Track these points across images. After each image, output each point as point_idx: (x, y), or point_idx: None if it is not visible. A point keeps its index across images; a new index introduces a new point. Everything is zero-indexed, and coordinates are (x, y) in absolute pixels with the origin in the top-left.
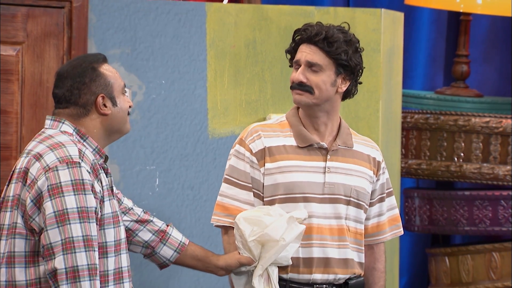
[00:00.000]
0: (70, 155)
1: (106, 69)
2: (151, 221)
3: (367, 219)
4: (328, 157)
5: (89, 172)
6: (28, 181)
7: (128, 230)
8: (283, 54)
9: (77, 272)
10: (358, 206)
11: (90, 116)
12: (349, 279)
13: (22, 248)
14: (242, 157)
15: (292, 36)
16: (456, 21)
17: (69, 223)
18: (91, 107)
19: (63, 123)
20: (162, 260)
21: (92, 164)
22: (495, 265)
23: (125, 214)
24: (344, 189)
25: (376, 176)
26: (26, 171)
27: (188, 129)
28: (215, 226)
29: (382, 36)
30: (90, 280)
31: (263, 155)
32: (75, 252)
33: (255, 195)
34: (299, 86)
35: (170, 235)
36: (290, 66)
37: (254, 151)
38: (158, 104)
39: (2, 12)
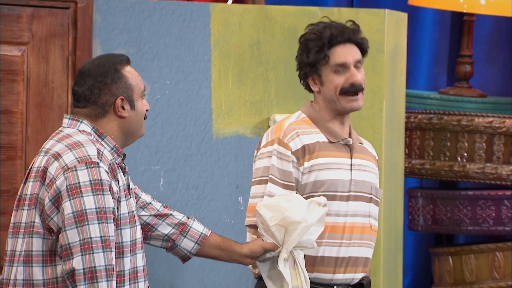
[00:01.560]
0: (88, 155)
1: (128, 71)
2: (171, 214)
3: None
4: (353, 153)
5: (107, 172)
6: (47, 180)
7: (147, 225)
8: (287, 54)
9: (95, 273)
10: (377, 203)
11: (107, 117)
12: (362, 278)
13: (40, 247)
14: (285, 157)
15: (326, 39)
16: (459, 22)
17: (88, 224)
18: (110, 108)
19: (81, 122)
20: (183, 252)
21: (110, 164)
22: (499, 265)
23: (143, 209)
24: (367, 186)
25: (377, 175)
26: (44, 170)
27: (192, 129)
28: (250, 226)
29: (385, 37)
30: (107, 281)
31: (303, 154)
32: (93, 253)
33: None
34: (358, 87)
35: (191, 227)
36: (302, 72)
37: (293, 150)
38: (163, 104)
39: (7, 12)
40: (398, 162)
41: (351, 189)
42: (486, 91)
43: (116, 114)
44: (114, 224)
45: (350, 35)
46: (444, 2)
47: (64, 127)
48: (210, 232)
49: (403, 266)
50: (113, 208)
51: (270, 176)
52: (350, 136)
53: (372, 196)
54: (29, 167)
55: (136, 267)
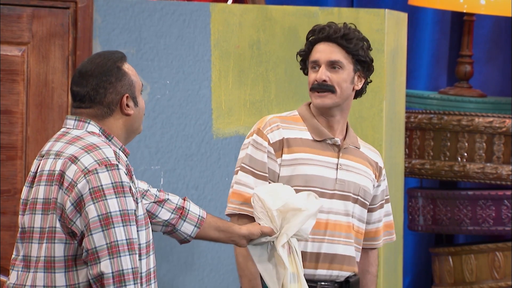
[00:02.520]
0: (107, 157)
1: (128, 68)
2: (168, 199)
3: (367, 223)
4: (341, 154)
5: (125, 174)
6: (65, 184)
7: (148, 212)
8: (287, 54)
9: (123, 276)
10: (363, 205)
11: (113, 116)
12: (349, 277)
13: (62, 253)
14: (259, 146)
15: (306, 37)
16: (459, 22)
17: (113, 227)
18: (116, 107)
19: (88, 123)
20: (183, 236)
21: (126, 165)
22: (499, 265)
23: (143, 198)
24: (353, 187)
25: (377, 181)
26: (61, 174)
27: (192, 129)
28: (229, 215)
29: (385, 37)
30: (134, 283)
31: (281, 146)
32: (120, 256)
33: None
34: (320, 86)
35: (189, 210)
36: (301, 69)
37: (272, 142)
38: (163, 104)
39: (7, 12)
40: (398, 162)
41: (336, 187)
42: (486, 91)
43: (123, 112)
44: (136, 226)
45: (330, 34)
46: (444, 2)
47: (69, 128)
48: (206, 213)
49: (403, 266)
50: (134, 210)
51: (242, 165)
52: (344, 138)
53: (359, 197)
54: (34, 170)
55: (150, 268)
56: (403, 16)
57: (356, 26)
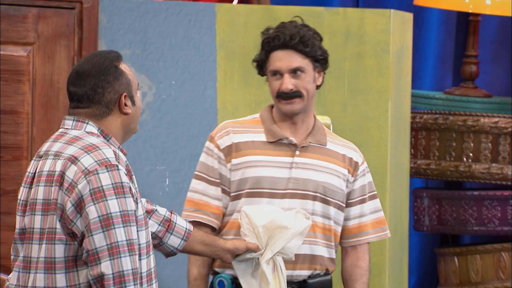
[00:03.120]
0: (107, 158)
1: (125, 67)
2: (156, 210)
3: (347, 219)
4: (297, 152)
5: (125, 174)
6: (65, 185)
7: None
8: None
9: (123, 277)
10: (326, 202)
11: (112, 115)
12: (310, 277)
13: (62, 254)
14: (210, 153)
15: (262, 45)
16: (465, 22)
17: (114, 228)
18: (114, 106)
19: (87, 123)
20: (169, 249)
21: (126, 166)
22: (504, 265)
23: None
24: (311, 184)
25: (353, 176)
26: (61, 175)
27: (198, 130)
28: None
29: (391, 37)
30: (134, 284)
31: (230, 151)
32: (120, 257)
33: (223, 191)
34: (288, 95)
35: (176, 223)
36: (259, 74)
37: (221, 147)
38: (168, 105)
39: (13, 13)
40: (404, 163)
41: (289, 187)
42: (492, 91)
43: (121, 111)
44: (136, 227)
45: (287, 41)
46: (450, 2)
47: (67, 128)
48: (193, 227)
49: (408, 266)
50: (134, 211)
51: (195, 172)
52: (307, 136)
53: (318, 194)
54: (32, 171)
55: (150, 268)
56: (409, 16)
57: (362, 26)
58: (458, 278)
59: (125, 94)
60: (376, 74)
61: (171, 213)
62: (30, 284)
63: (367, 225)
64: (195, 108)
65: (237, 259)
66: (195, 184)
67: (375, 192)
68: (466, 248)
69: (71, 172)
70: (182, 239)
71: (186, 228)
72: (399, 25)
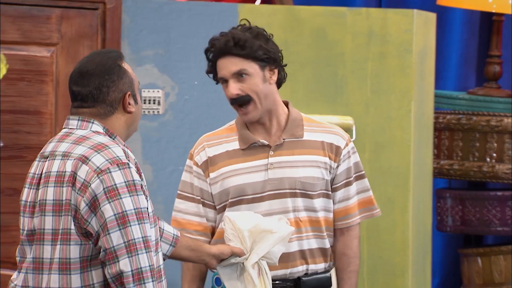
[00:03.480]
0: (118, 156)
1: (127, 66)
2: None
3: (334, 203)
4: (271, 153)
5: (136, 172)
6: (78, 185)
7: None
8: (315, 55)
9: (142, 274)
10: (307, 196)
11: (116, 114)
12: (307, 274)
13: (77, 254)
14: (190, 170)
15: (206, 56)
16: (488, 22)
17: (130, 225)
18: (118, 105)
19: (92, 123)
20: None
21: (135, 163)
22: None
23: None
24: (288, 182)
25: (335, 162)
26: (73, 175)
27: None
28: None
29: (414, 37)
30: (153, 281)
31: (207, 166)
32: (138, 254)
33: (208, 205)
34: (237, 101)
35: (164, 229)
36: (217, 83)
37: (199, 164)
38: (191, 105)
39: (37, 13)
40: (427, 163)
41: (267, 188)
42: None
43: (126, 110)
44: (149, 224)
45: (222, 48)
46: (473, 2)
47: (72, 128)
48: (179, 233)
49: (431, 267)
50: (147, 208)
51: (178, 191)
52: (282, 132)
53: (297, 190)
54: (38, 172)
55: (160, 265)
56: (432, 16)
57: (384, 26)
58: (482, 279)
59: (129, 93)
60: (399, 74)
61: (158, 219)
62: (44, 285)
63: (353, 207)
64: (218, 108)
65: (222, 264)
66: (177, 203)
67: (363, 172)
68: (489, 248)
69: (83, 172)
70: (170, 245)
71: (174, 234)
72: (422, 25)
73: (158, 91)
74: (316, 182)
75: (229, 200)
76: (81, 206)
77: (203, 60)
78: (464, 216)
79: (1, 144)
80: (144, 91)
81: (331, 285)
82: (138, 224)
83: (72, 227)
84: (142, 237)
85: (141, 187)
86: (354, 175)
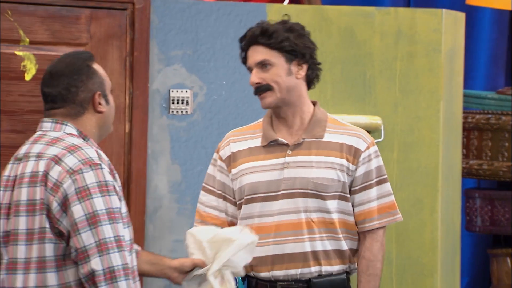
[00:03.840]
0: (91, 157)
1: (98, 66)
2: None
3: (353, 206)
4: (289, 152)
5: (108, 173)
6: (50, 185)
7: None
8: (343, 55)
9: (114, 273)
10: (319, 197)
11: (86, 114)
12: (320, 275)
13: (53, 253)
14: (214, 163)
15: (240, 47)
16: None
17: (101, 225)
18: (88, 105)
19: (66, 125)
20: None
21: (108, 165)
22: None
23: None
24: (300, 182)
25: (353, 164)
26: (45, 175)
27: None
28: None
29: (443, 37)
30: (125, 279)
31: (230, 161)
32: (109, 253)
33: (229, 200)
34: (257, 90)
35: None
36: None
37: (223, 158)
38: (219, 105)
39: (66, 14)
40: (456, 163)
41: (282, 187)
42: None
43: (96, 110)
44: (122, 224)
45: (250, 37)
46: (502, 2)
47: (46, 131)
48: (140, 247)
49: (461, 267)
50: (120, 208)
51: (203, 184)
52: (302, 133)
53: (309, 191)
54: (12, 174)
55: (134, 266)
56: (461, 16)
57: (413, 26)
58: (511, 279)
59: (98, 92)
60: (427, 74)
61: None
62: (19, 285)
63: (373, 210)
64: (246, 108)
65: (187, 278)
66: (201, 195)
67: (385, 177)
68: None
69: (55, 172)
70: None
71: (134, 248)
72: (451, 24)
73: (186, 91)
74: (329, 183)
75: (245, 197)
76: (53, 205)
77: (231, 60)
78: (493, 216)
79: None
80: (172, 91)
81: (345, 287)
82: (110, 223)
83: (47, 225)
84: (114, 237)
85: (114, 188)
86: (375, 179)
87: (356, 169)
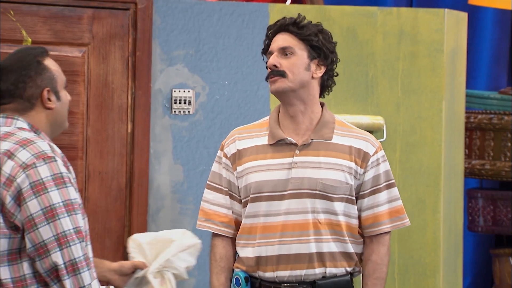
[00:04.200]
0: (43, 151)
1: (50, 62)
2: None
3: (361, 210)
4: (297, 152)
5: (63, 165)
6: (3, 179)
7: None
8: (345, 55)
9: (76, 265)
10: (327, 198)
11: (35, 110)
12: (325, 277)
13: (6, 247)
14: (219, 161)
15: (266, 34)
16: None
17: (59, 218)
18: (36, 101)
19: (17, 119)
20: None
21: (62, 157)
22: None
23: None
24: (309, 182)
25: (362, 168)
26: None
27: None
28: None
29: (445, 37)
30: (88, 269)
31: (235, 159)
32: (70, 246)
33: (234, 198)
34: (272, 73)
35: None
36: (266, 68)
37: (228, 155)
38: (222, 105)
39: (68, 14)
40: (458, 163)
41: (289, 187)
42: None
43: (44, 106)
44: (80, 215)
45: (282, 24)
46: (505, 1)
47: None
48: None
49: (463, 267)
50: (77, 199)
51: (207, 182)
52: (311, 133)
53: (317, 191)
54: None
55: (91, 257)
56: (463, 16)
57: (415, 26)
58: None
59: (47, 88)
60: (430, 74)
61: None
62: None
63: (382, 214)
64: (248, 108)
65: (129, 282)
66: (206, 193)
67: (393, 181)
68: None
69: (8, 167)
70: None
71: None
72: (453, 24)
73: (188, 91)
74: (338, 185)
75: (250, 196)
76: (6, 200)
77: (233, 60)
78: (495, 216)
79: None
80: (174, 91)
81: None
82: (68, 215)
83: (1, 220)
84: (74, 228)
85: (69, 179)
86: (384, 183)
87: (364, 173)
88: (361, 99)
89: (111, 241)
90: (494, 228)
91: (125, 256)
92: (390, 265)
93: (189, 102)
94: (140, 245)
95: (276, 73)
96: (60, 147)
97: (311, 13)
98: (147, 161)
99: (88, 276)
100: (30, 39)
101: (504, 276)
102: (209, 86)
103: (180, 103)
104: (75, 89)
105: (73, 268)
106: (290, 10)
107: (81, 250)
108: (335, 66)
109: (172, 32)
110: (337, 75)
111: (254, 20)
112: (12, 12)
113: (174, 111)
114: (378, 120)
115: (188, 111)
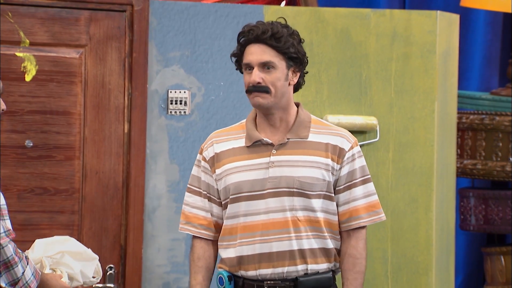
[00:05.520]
0: None
1: None
2: None
3: (338, 205)
4: (274, 151)
5: None
6: None
7: None
8: (339, 56)
9: (9, 262)
10: (304, 195)
11: None
12: (306, 274)
13: None
14: (198, 164)
15: (237, 39)
16: (511, 23)
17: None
18: None
19: None
20: None
21: None
22: None
23: None
24: (286, 181)
25: (338, 164)
26: None
27: None
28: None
29: (437, 38)
30: (21, 266)
31: (213, 162)
32: (2, 247)
33: (213, 201)
34: (255, 89)
35: None
36: (237, 69)
37: (207, 159)
38: (217, 106)
39: (66, 15)
40: (450, 163)
41: (268, 186)
42: None
43: None
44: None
45: (259, 35)
46: (496, 3)
47: None
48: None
49: (455, 265)
50: (5, 204)
51: (187, 185)
52: (288, 132)
53: (295, 189)
54: None
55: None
56: (455, 18)
57: (408, 27)
58: (505, 277)
59: None
60: (422, 75)
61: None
62: None
63: (359, 209)
64: (243, 108)
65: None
66: (186, 196)
67: (368, 176)
68: None
69: None
70: None
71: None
72: (445, 26)
73: (184, 92)
74: (315, 182)
75: (230, 197)
76: None
77: (228, 61)
78: (487, 215)
79: (30, 144)
80: (170, 91)
81: (331, 285)
82: (3, 220)
83: None
84: (4, 232)
85: None
86: (360, 178)
87: (340, 168)
88: (354, 99)
89: (107, 240)
90: (485, 226)
91: (122, 254)
92: (383, 264)
93: (185, 103)
94: (33, 246)
95: (260, 89)
96: (57, 148)
97: (305, 15)
98: (143, 161)
99: (21, 270)
100: (28, 41)
101: (496, 274)
102: (205, 87)
103: (176, 103)
104: (72, 90)
105: (7, 266)
106: (284, 12)
107: (12, 249)
108: (306, 61)
109: (168, 34)
110: (307, 72)
111: (249, 21)
112: (10, 14)
113: (170, 112)
114: (371, 120)
115: (184, 112)
